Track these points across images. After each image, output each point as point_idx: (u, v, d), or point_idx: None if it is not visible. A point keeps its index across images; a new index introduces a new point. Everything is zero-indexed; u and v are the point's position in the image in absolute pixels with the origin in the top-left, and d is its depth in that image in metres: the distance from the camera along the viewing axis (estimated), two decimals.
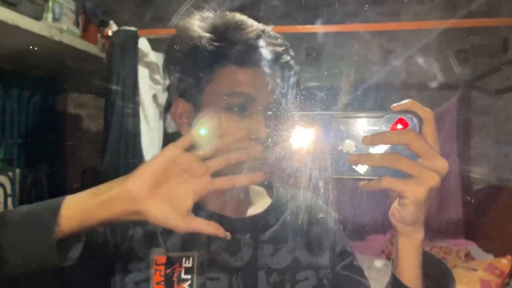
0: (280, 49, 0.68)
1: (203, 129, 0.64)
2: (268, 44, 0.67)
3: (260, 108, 0.67)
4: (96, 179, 2.85)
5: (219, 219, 0.73)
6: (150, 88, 2.23)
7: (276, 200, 0.80)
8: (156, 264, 0.68)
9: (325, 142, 0.51)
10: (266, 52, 0.66)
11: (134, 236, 0.70)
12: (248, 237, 0.72)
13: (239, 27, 0.67)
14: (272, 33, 0.69)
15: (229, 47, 0.66)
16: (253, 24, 0.68)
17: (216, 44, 0.66)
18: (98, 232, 0.69)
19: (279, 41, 0.69)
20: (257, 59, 0.66)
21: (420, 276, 0.55)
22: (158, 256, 0.69)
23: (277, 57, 0.68)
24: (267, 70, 0.67)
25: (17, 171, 2.51)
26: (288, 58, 0.70)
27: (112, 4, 2.65)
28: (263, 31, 0.68)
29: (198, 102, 0.69)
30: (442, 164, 0.48)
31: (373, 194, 0.56)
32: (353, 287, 0.75)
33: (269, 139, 0.67)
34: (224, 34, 0.66)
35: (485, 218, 3.08)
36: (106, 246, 0.69)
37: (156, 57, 2.20)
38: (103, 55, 2.40)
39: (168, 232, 0.71)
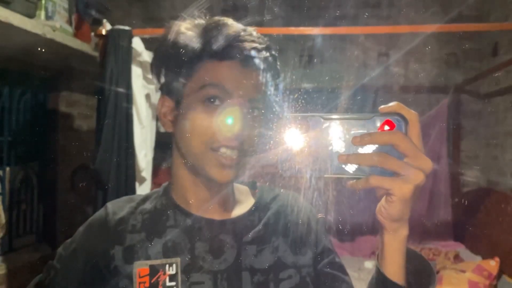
0: (259, 46, 0.70)
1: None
2: (247, 40, 0.69)
3: (236, 102, 0.68)
4: (87, 178, 2.84)
5: (202, 222, 0.74)
6: (143, 87, 2.23)
7: (259, 200, 0.81)
8: (140, 277, 0.68)
9: (316, 142, 0.52)
10: (243, 47, 0.68)
11: (115, 255, 0.70)
12: (231, 238, 0.73)
13: (219, 26, 0.69)
14: (254, 33, 0.71)
15: (207, 43, 0.69)
16: (234, 24, 0.71)
17: (196, 41, 0.69)
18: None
19: (260, 40, 0.71)
20: (234, 53, 0.68)
21: (404, 270, 0.57)
22: (141, 268, 0.69)
23: (255, 52, 0.70)
24: (244, 64, 0.69)
25: (7, 169, 2.50)
26: (267, 54, 0.72)
27: (105, 3, 2.64)
28: (243, 30, 0.71)
29: (179, 97, 0.72)
30: (427, 163, 0.50)
31: (363, 196, 0.58)
32: (335, 284, 0.76)
33: (251, 136, 0.68)
34: (204, 32, 0.70)
35: (474, 220, 3.12)
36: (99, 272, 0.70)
37: (149, 57, 2.20)
38: (96, 54, 2.39)
39: (149, 241, 0.71)
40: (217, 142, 0.67)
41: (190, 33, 0.70)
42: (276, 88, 0.74)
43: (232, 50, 0.68)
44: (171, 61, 0.72)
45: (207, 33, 0.69)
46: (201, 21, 0.72)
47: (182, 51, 0.70)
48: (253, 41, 0.70)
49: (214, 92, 0.68)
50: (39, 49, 2.23)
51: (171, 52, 0.71)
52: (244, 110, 0.69)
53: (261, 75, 0.71)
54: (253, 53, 0.69)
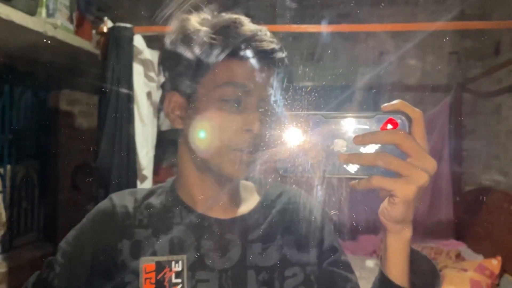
0: (276, 46, 0.70)
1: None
2: (265, 40, 0.68)
3: (255, 102, 0.68)
4: (88, 176, 2.84)
5: (208, 220, 0.73)
6: (144, 85, 2.22)
7: (264, 197, 0.80)
8: (146, 273, 0.68)
9: (317, 141, 0.51)
10: (262, 47, 0.68)
11: (123, 249, 0.70)
12: (236, 237, 0.72)
13: (237, 24, 0.68)
14: (268, 32, 0.71)
15: (227, 40, 0.67)
16: (250, 24, 0.70)
17: (214, 37, 0.68)
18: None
19: (275, 40, 0.71)
20: (254, 53, 0.68)
21: (407, 272, 0.56)
22: (147, 264, 0.68)
23: (273, 53, 0.69)
24: (263, 64, 0.68)
25: (8, 167, 2.49)
26: (283, 55, 0.71)
27: (106, 1, 2.64)
28: (260, 30, 0.70)
29: (193, 94, 0.70)
30: (431, 164, 0.49)
31: (365, 194, 0.56)
32: (341, 282, 0.75)
33: (264, 135, 0.68)
34: (222, 29, 0.68)
35: (476, 219, 3.11)
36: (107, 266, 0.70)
37: (151, 55, 2.20)
38: (97, 52, 2.39)
39: (156, 237, 0.71)
40: (238, 143, 0.67)
41: (205, 28, 0.69)
42: (290, 88, 0.74)
43: (251, 50, 0.67)
44: (183, 57, 0.70)
45: (225, 30, 0.68)
46: (209, 17, 0.71)
47: (197, 47, 0.68)
48: (270, 41, 0.69)
49: (232, 91, 0.67)
50: (40, 47, 2.22)
51: (183, 47, 0.69)
52: (262, 110, 0.68)
53: (278, 75, 0.71)
54: (271, 53, 0.69)
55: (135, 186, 2.11)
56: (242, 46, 0.67)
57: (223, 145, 0.67)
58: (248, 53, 0.67)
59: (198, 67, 0.69)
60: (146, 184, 2.25)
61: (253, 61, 0.68)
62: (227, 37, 0.67)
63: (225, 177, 0.70)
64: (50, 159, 2.82)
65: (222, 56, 0.68)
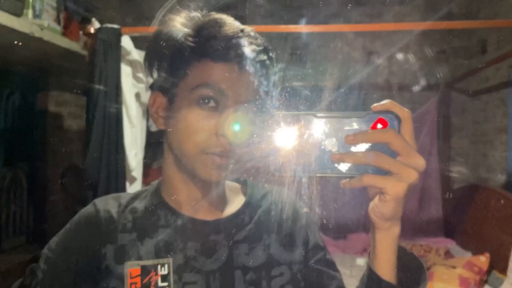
0: (257, 48, 0.68)
1: None
2: (245, 42, 0.67)
3: (232, 105, 0.66)
4: (77, 178, 2.82)
5: (193, 222, 0.73)
6: (133, 86, 2.21)
7: (250, 197, 0.80)
8: (131, 277, 0.67)
9: (309, 141, 0.52)
10: (241, 49, 0.66)
11: (107, 254, 0.69)
12: (222, 238, 0.72)
13: (217, 24, 0.67)
14: (252, 33, 0.69)
15: (205, 42, 0.66)
16: (232, 23, 0.68)
17: (192, 39, 0.67)
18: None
19: (258, 41, 0.69)
20: (231, 55, 0.66)
21: (395, 268, 0.57)
22: (132, 268, 0.68)
23: (253, 55, 0.68)
24: (241, 67, 0.67)
25: None
26: (265, 58, 0.69)
27: (94, 2, 2.62)
28: (242, 30, 0.68)
29: (173, 95, 0.70)
30: (420, 162, 0.50)
31: (355, 193, 0.57)
32: (326, 280, 0.76)
33: (241, 138, 0.66)
34: (201, 30, 0.67)
35: (464, 216, 3.14)
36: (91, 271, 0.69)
37: (139, 55, 2.19)
38: (85, 53, 2.37)
39: (141, 241, 0.70)
40: (211, 147, 0.66)
41: (186, 30, 0.68)
42: (272, 89, 0.73)
43: (229, 52, 0.66)
44: (164, 57, 0.69)
45: (204, 31, 0.67)
46: (197, 15, 0.70)
47: (176, 48, 0.67)
48: (251, 43, 0.67)
49: (208, 92, 0.66)
50: (27, 48, 2.20)
51: (165, 48, 0.69)
52: (239, 113, 0.67)
53: (258, 78, 0.69)
54: (250, 55, 0.67)
55: (124, 187, 2.09)
56: (219, 48, 0.66)
57: (197, 148, 0.66)
58: (225, 54, 0.66)
59: (177, 68, 0.68)
60: (135, 186, 2.23)
61: (230, 63, 0.67)
62: (205, 39, 0.66)
63: (203, 180, 0.69)
64: (39, 161, 2.79)
65: (197, 58, 0.67)
